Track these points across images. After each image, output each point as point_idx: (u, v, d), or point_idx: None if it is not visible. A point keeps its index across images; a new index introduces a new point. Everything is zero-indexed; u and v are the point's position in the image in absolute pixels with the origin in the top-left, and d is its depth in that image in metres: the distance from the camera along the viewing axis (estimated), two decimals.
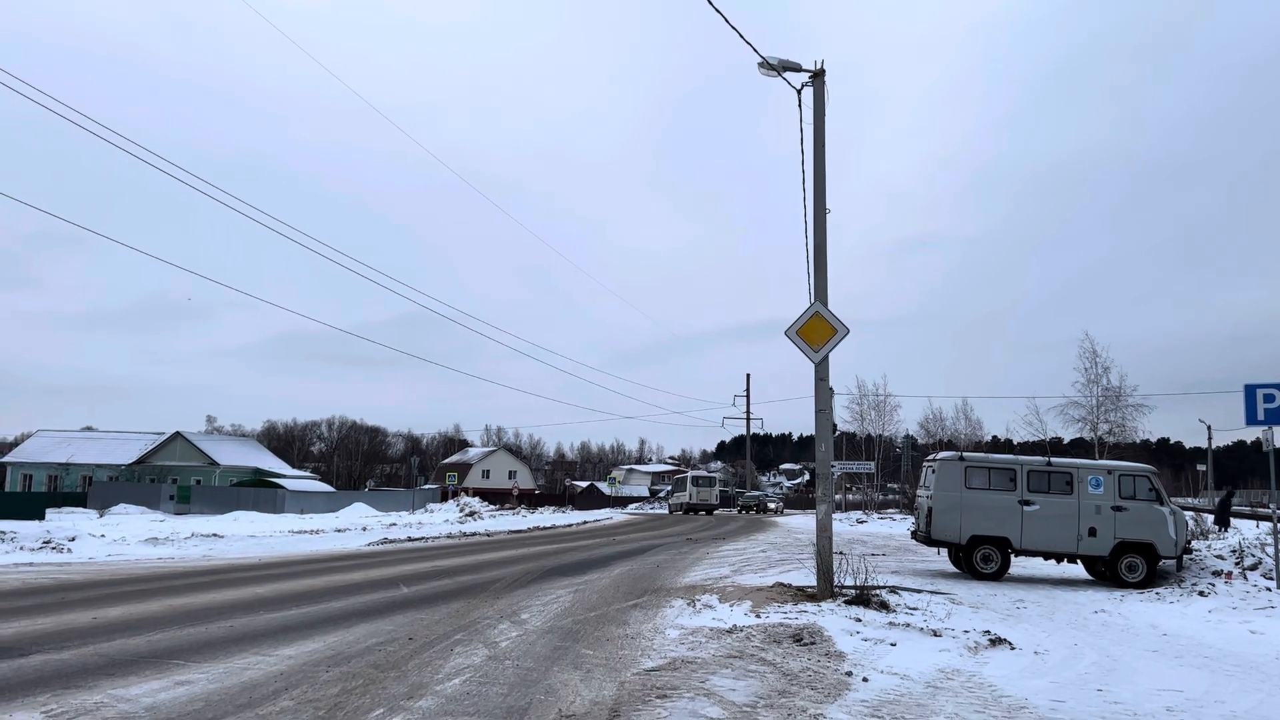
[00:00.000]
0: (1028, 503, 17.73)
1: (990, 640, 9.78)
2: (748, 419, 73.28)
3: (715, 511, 61.01)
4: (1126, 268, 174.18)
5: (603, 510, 65.56)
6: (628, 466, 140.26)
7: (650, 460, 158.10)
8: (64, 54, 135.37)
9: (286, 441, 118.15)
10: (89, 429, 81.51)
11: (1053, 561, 18.79)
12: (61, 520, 33.40)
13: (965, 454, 18.76)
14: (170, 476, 65.91)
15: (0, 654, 8.14)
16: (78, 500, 53.48)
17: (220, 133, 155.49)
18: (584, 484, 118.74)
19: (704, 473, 74.89)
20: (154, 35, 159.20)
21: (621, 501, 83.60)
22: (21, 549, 20.06)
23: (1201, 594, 14.95)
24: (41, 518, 37.18)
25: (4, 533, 21.27)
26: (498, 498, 71.72)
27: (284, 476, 67.24)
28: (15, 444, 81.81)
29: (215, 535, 26.68)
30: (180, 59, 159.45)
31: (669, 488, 76.22)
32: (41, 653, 8.23)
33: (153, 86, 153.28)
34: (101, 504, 51.75)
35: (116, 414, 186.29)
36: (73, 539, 21.56)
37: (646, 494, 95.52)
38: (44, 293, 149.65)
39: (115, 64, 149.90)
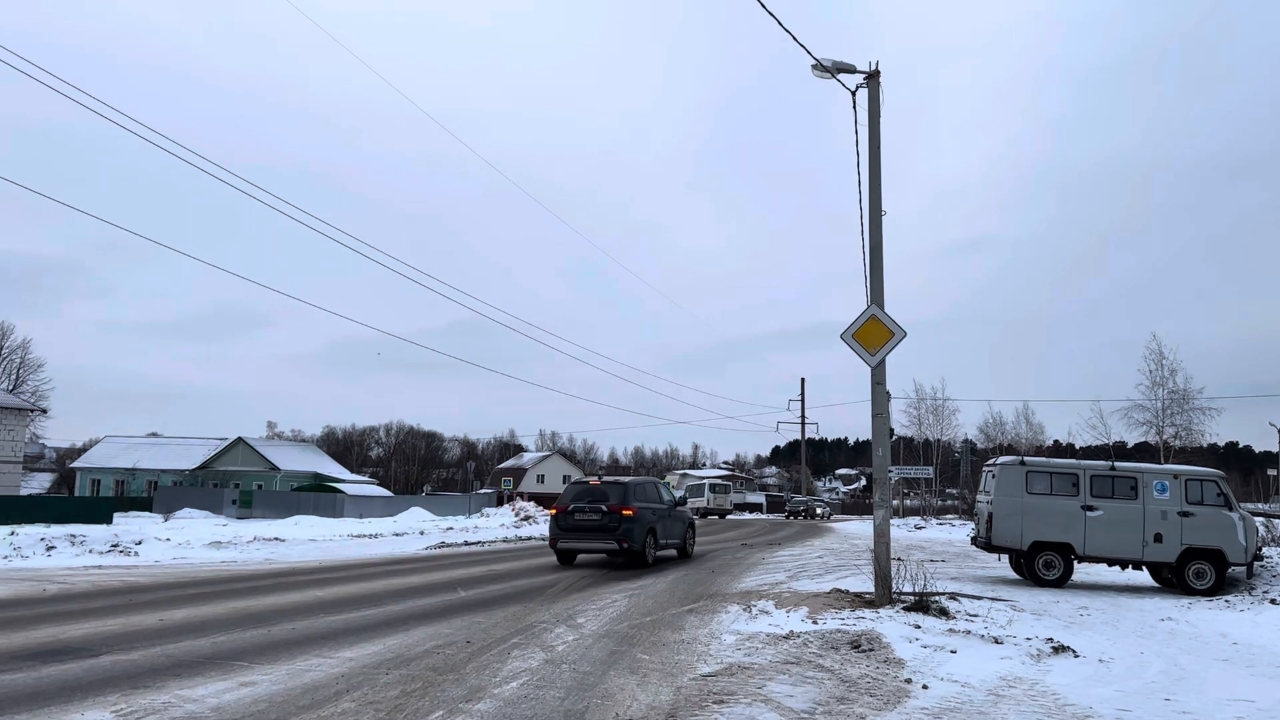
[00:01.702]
0: (1091, 508, 17.38)
1: (1053, 648, 9.60)
2: (802, 423, 72.87)
3: (728, 516, 64.08)
4: (1191, 266, 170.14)
5: None
6: (681, 471, 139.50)
7: (704, 465, 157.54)
8: (127, 68, 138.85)
9: (345, 446, 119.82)
10: (154, 434, 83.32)
11: (1117, 568, 18.41)
12: (128, 524, 34.17)
13: (1026, 458, 18.46)
14: (233, 481, 67.17)
15: (71, 654, 8.36)
16: (143, 504, 54.76)
17: (276, 142, 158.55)
18: (728, 483, 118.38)
19: (720, 480, 79.07)
20: (212, 46, 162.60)
21: None
22: (91, 552, 20.56)
23: (1274, 602, 14.55)
24: (109, 521, 38.06)
25: (74, 536, 21.82)
26: (552, 502, 71.96)
27: (343, 481, 68.20)
28: (84, 449, 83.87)
29: (276, 539, 27.12)
30: (237, 70, 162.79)
31: (680, 493, 76.76)
32: (111, 653, 8.42)
33: (211, 98, 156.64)
34: (166, 508, 52.86)
35: (181, 420, 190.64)
36: (139, 542, 22.05)
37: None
38: (113, 302, 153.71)
39: (174, 76, 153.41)
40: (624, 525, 19.29)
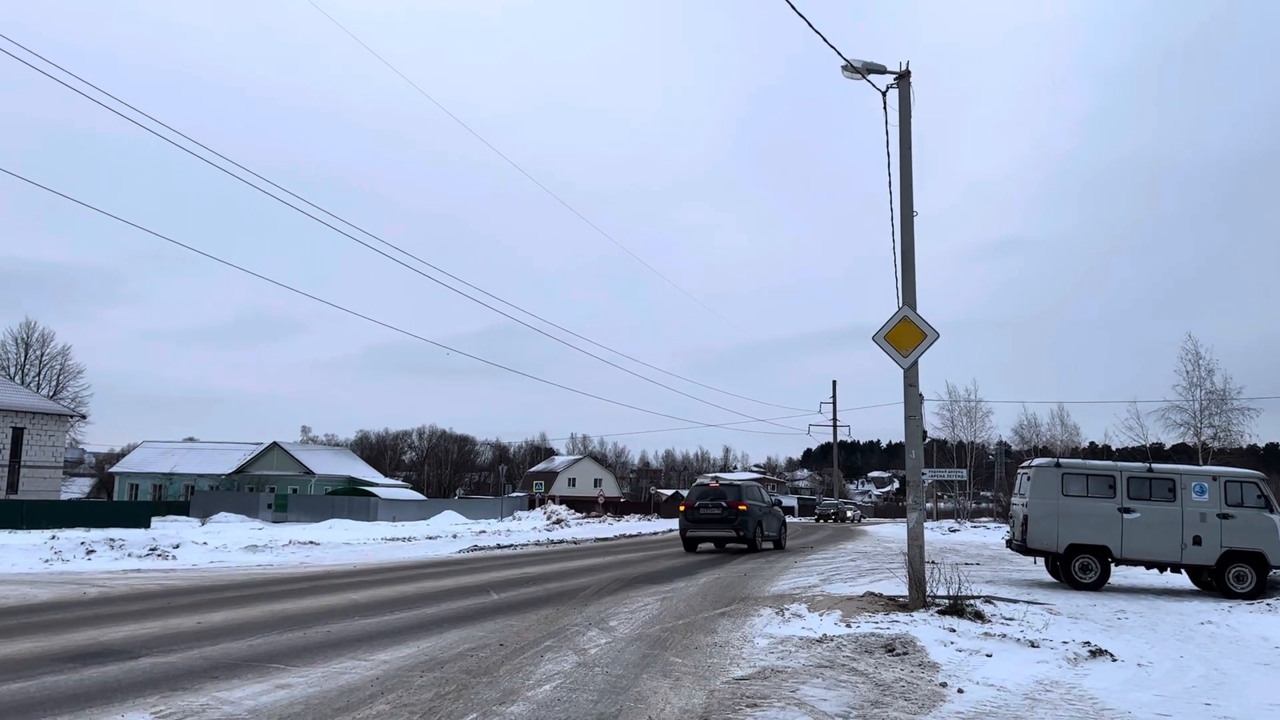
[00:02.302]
0: (1128, 510, 17.18)
1: (1090, 651, 9.50)
2: (834, 426, 72.43)
3: None
4: (1227, 265, 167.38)
5: None
6: (712, 475, 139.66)
7: (735, 468, 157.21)
8: (156, 73, 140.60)
9: (379, 451, 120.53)
10: (191, 440, 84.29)
11: (1155, 571, 18.19)
12: (166, 528, 34.65)
13: (1062, 460, 18.29)
14: (268, 485, 67.79)
15: (112, 657, 8.47)
16: (181, 509, 55.38)
17: (306, 147, 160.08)
18: (669, 492, 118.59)
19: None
20: (242, 52, 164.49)
21: None
22: (130, 555, 20.84)
23: None
24: (148, 526, 38.58)
25: (113, 540, 22.13)
26: (584, 505, 72.19)
27: (377, 485, 68.69)
28: (123, 454, 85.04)
29: (311, 543, 27.34)
30: (267, 76, 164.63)
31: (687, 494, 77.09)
32: (150, 656, 8.53)
33: (242, 104, 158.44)
34: (203, 512, 53.44)
35: (217, 425, 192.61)
36: (177, 546, 22.32)
37: None
38: (150, 309, 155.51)
39: (206, 84, 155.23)
40: (739, 518, 24.91)
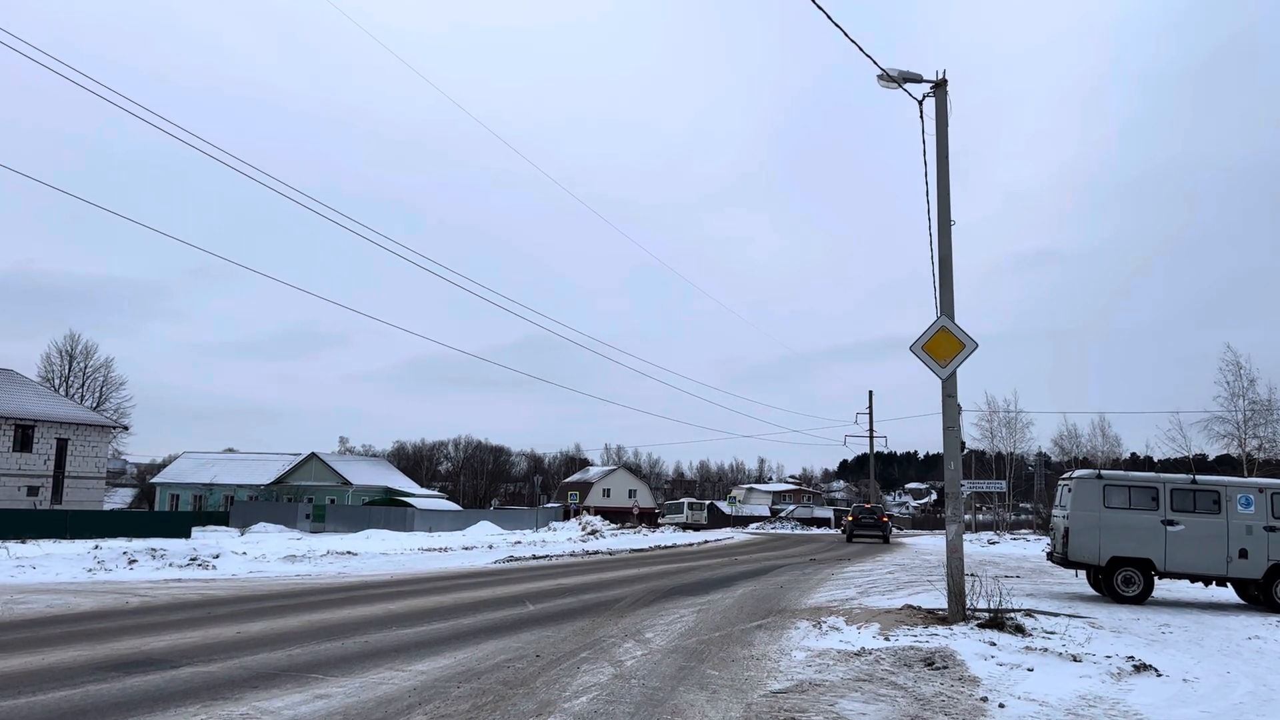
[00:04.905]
0: (1171, 523, 16.90)
1: (1134, 666, 9.35)
2: (870, 437, 71.84)
3: (701, 529, 69.41)
4: (1270, 274, 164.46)
5: (723, 529, 65.30)
6: (747, 486, 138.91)
7: (770, 479, 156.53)
8: (202, 93, 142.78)
9: (415, 461, 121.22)
10: (231, 450, 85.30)
11: (1200, 585, 17.87)
12: (206, 538, 34.99)
13: (1103, 471, 18.03)
14: (306, 496, 68.32)
15: (154, 666, 8.57)
16: (220, 519, 55.97)
17: (346, 163, 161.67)
18: (704, 503, 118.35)
19: (697, 499, 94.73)
20: (283, 70, 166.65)
21: (742, 521, 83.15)
22: (171, 565, 21.07)
23: None
24: (188, 536, 39.01)
25: (154, 549, 22.38)
26: (618, 516, 72.25)
27: (413, 495, 68.99)
28: (164, 465, 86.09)
29: (349, 553, 27.53)
30: (308, 93, 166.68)
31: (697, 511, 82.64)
32: (191, 665, 8.62)
33: (283, 120, 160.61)
34: (242, 523, 53.98)
35: (256, 436, 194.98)
36: (217, 556, 22.53)
37: (767, 513, 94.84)
38: (193, 323, 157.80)
39: (248, 101, 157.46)
40: (882, 526, 46.21)
